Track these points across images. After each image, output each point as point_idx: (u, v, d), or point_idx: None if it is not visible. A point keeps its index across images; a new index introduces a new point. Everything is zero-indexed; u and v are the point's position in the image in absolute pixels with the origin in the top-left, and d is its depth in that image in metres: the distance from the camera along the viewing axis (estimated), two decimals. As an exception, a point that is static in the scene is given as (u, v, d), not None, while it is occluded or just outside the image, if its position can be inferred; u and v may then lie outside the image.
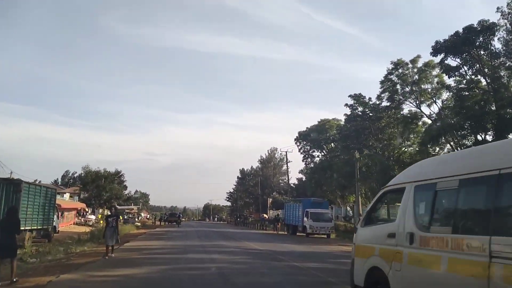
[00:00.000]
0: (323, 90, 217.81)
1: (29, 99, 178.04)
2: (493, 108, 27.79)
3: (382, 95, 37.42)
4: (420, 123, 39.29)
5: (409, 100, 36.02)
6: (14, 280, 8.93)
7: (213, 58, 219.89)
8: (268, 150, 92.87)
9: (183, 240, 23.78)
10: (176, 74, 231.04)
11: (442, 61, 30.61)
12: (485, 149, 5.90)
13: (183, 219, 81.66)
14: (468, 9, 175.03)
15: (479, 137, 29.94)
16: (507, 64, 28.25)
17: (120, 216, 49.84)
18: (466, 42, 28.56)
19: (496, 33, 27.78)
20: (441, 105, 34.57)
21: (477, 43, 28.20)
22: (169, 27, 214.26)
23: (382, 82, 36.93)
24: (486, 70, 28.88)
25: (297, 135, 59.32)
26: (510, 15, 27.09)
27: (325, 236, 31.94)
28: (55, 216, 25.21)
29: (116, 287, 9.38)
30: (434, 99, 34.80)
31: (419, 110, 35.79)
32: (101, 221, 47.71)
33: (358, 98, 46.05)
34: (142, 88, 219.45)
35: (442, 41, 29.76)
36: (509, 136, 26.92)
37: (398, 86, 35.93)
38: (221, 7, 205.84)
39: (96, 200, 43.23)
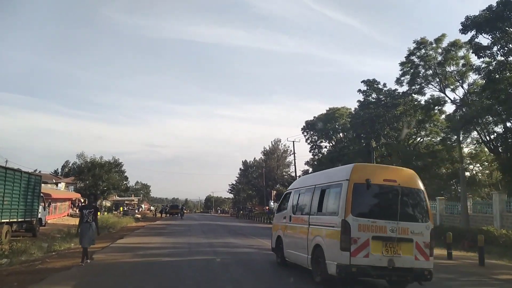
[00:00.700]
0: (324, 83, 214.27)
1: (29, 89, 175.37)
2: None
3: (402, 78, 33.87)
4: (436, 111, 35.96)
5: (432, 83, 32.57)
6: None
7: (214, 49, 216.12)
8: (271, 141, 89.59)
9: (186, 236, 20.44)
10: (177, 66, 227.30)
11: (472, 39, 27.07)
12: (314, 175, 11.97)
13: (185, 211, 78.58)
14: (471, 3, 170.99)
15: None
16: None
17: (114, 206, 46.29)
18: (501, 18, 25.11)
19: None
20: (467, 88, 31.16)
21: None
22: (170, 18, 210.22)
23: (402, 64, 33.38)
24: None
25: (304, 124, 55.86)
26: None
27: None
28: (40, 207, 21.91)
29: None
30: (460, 82, 31.34)
31: (443, 95, 32.30)
32: (98, 213, 44.51)
33: (371, 83, 42.62)
34: (143, 79, 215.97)
35: (472, 16, 26.29)
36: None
37: (421, 68, 32.42)
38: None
39: (92, 190, 39.85)
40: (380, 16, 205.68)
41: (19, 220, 18.23)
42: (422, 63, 32.36)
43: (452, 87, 32.07)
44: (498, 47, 26.13)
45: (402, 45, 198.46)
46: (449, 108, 33.18)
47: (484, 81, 27.79)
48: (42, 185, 38.15)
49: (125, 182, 43.37)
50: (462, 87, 31.28)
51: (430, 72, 32.40)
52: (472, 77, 30.69)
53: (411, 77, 32.86)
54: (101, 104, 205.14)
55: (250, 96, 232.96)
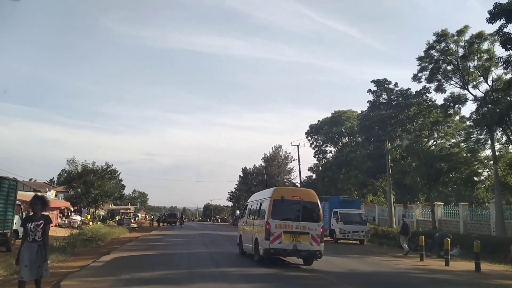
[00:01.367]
0: (323, 92, 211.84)
1: (30, 100, 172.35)
2: None
3: (420, 74, 30.71)
4: (456, 109, 32.70)
5: (453, 79, 29.45)
6: None
7: (213, 59, 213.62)
8: (272, 148, 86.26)
9: (184, 249, 17.05)
10: (176, 75, 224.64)
11: (500, 29, 23.97)
12: (259, 193, 15.95)
13: (184, 220, 74.84)
14: (468, 12, 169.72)
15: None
16: None
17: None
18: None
19: None
20: (491, 84, 28.03)
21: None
22: (169, 28, 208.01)
23: (420, 59, 30.19)
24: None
25: (308, 128, 52.69)
26: None
27: (358, 242, 25.41)
28: (16, 217, 18.52)
29: None
30: (484, 78, 28.22)
31: (464, 92, 29.09)
32: (90, 223, 41.00)
33: (382, 83, 39.59)
34: (142, 89, 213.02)
35: (501, 3, 23.23)
36: None
37: (441, 63, 29.25)
38: (222, 8, 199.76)
39: (83, 198, 36.43)
40: (379, 25, 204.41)
41: (-13, 232, 14.91)
42: (442, 57, 29.30)
43: (473, 83, 28.97)
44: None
45: (401, 54, 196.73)
46: (468, 107, 29.84)
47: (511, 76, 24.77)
48: (25, 192, 34.83)
49: (119, 190, 39.58)
50: (487, 83, 28.18)
51: (450, 67, 29.35)
52: (496, 72, 27.76)
53: (430, 73, 29.74)
54: (101, 114, 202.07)
55: (249, 105, 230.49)
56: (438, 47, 29.31)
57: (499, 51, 24.70)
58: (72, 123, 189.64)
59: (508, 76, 25.96)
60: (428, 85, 31.49)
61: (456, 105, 30.77)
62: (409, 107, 36.66)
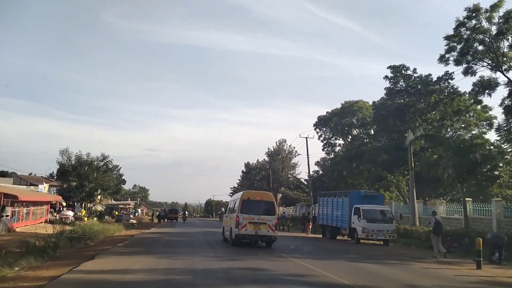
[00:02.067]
0: (324, 87, 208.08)
1: (30, 94, 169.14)
2: None
3: (447, 55, 27.36)
4: (486, 96, 29.28)
5: (485, 61, 26.17)
6: None
7: (214, 54, 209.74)
8: (276, 142, 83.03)
9: (187, 254, 13.75)
10: (176, 70, 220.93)
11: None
12: (236, 194, 22.88)
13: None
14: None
15: None
16: None
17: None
18: None
19: None
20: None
21: None
22: (170, 22, 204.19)
23: (448, 38, 26.81)
24: None
25: (316, 120, 49.23)
26: None
27: (381, 242, 22.18)
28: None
29: None
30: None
31: (498, 74, 25.77)
32: (85, 219, 37.76)
33: (399, 69, 36.24)
34: (144, 84, 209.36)
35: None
36: None
37: (471, 42, 25.92)
38: (222, 3, 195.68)
39: (77, 192, 33.19)
40: (381, 20, 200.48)
41: None
42: (473, 36, 25.97)
43: (507, 65, 25.67)
44: None
45: (403, 49, 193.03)
46: (499, 93, 26.38)
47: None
48: (13, 186, 31.70)
49: (115, 182, 36.28)
50: (524, 65, 24.87)
51: (482, 47, 26.05)
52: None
53: (459, 53, 26.41)
54: (101, 109, 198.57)
55: (251, 100, 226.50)
56: (468, 24, 26.02)
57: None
58: (73, 118, 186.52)
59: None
60: (451, 71, 28.33)
61: (486, 90, 27.52)
62: (430, 94, 33.35)
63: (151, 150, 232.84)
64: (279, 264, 11.81)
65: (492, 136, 42.19)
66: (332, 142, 48.94)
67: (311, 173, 68.87)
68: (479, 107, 34.68)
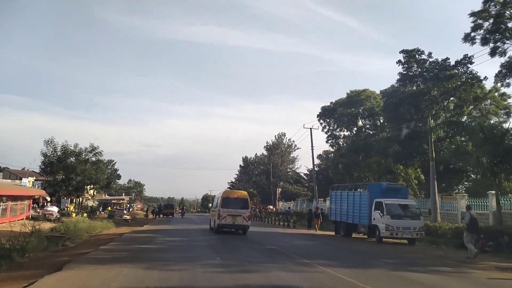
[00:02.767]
0: (321, 82, 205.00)
1: (26, 90, 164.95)
2: None
3: (473, 34, 24.30)
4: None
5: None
6: None
7: (210, 49, 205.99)
8: (275, 136, 79.80)
9: (185, 263, 10.51)
10: (173, 66, 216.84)
11: None
12: (218, 193, 26.43)
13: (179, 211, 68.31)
14: (467, 2, 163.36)
15: None
16: None
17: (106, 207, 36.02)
18: None
19: None
20: None
21: None
22: (166, 18, 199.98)
23: (474, 14, 23.75)
24: None
25: (320, 110, 46.10)
26: None
27: (406, 241, 19.16)
28: None
29: None
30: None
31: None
32: (73, 215, 34.43)
33: (413, 54, 33.12)
34: (140, 80, 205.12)
35: None
36: None
37: (501, 19, 22.87)
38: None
39: (63, 186, 29.85)
40: (378, 15, 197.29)
41: None
42: (502, 11, 22.92)
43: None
44: None
45: (400, 45, 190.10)
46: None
47: None
48: (5, 180, 28.44)
49: (105, 176, 32.91)
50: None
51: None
52: None
53: (488, 31, 23.34)
54: (98, 105, 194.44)
55: (247, 96, 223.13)
56: (497, -2, 22.96)
57: None
58: (68, 114, 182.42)
59: None
60: (476, 51, 25.01)
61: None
62: (448, 79, 30.30)
63: (147, 145, 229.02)
64: (309, 277, 8.66)
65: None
66: (337, 134, 45.82)
67: (311, 168, 66.08)
68: (496, 94, 31.89)
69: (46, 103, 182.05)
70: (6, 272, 9.52)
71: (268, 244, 15.62)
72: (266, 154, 79.74)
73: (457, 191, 34.09)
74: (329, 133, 45.80)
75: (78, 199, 36.04)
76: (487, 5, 23.31)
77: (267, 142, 78.84)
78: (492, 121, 32.27)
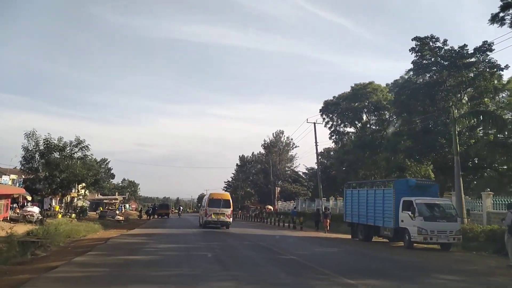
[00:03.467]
0: (316, 83, 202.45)
1: (21, 89, 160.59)
2: None
3: (502, 14, 21.40)
4: None
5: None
6: None
7: (205, 49, 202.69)
8: (273, 133, 76.62)
9: (185, 285, 7.39)
10: (168, 65, 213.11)
11: None
12: (206, 195, 32.17)
13: (173, 211, 65.06)
14: (460, 4, 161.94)
15: None
16: None
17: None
18: None
19: None
20: None
21: None
22: (161, 17, 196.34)
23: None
24: None
25: (323, 105, 43.08)
26: None
27: (438, 246, 16.20)
28: None
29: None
30: None
31: None
32: (59, 215, 31.08)
33: (426, 41, 30.18)
34: (134, 79, 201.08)
35: None
36: None
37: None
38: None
39: (46, 183, 26.52)
40: (372, 16, 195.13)
41: None
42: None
43: None
44: None
45: (395, 46, 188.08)
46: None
47: None
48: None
49: (92, 173, 29.50)
50: None
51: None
52: None
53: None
54: (93, 104, 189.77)
55: (242, 96, 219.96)
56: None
57: None
58: (63, 113, 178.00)
59: None
60: (505, 33, 22.17)
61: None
62: (466, 68, 27.47)
63: (142, 145, 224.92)
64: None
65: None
66: (341, 130, 42.77)
67: (313, 165, 62.96)
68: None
69: (40, 102, 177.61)
70: None
71: (285, 253, 12.51)
72: (263, 152, 76.65)
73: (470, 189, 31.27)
74: (332, 129, 42.79)
75: (65, 199, 32.72)
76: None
77: (264, 140, 75.71)
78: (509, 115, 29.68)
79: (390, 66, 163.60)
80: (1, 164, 39.64)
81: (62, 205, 36.33)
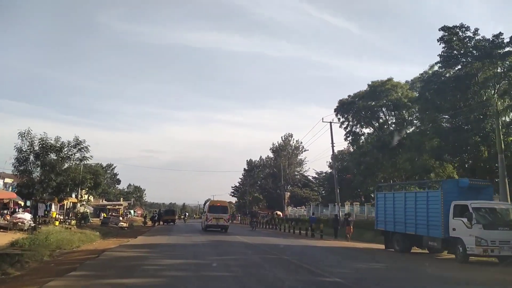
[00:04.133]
0: (322, 88, 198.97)
1: (28, 97, 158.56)
2: None
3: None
4: None
5: None
6: None
7: (211, 55, 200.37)
8: (281, 137, 73.74)
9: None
10: (174, 72, 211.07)
11: None
12: (206, 203, 42.18)
13: (179, 217, 62.17)
14: (466, 8, 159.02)
15: None
16: None
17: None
18: None
19: None
20: None
21: None
22: (167, 24, 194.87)
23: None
24: None
25: (338, 104, 40.17)
26: None
27: (496, 259, 13.24)
28: None
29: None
30: None
31: None
32: (56, 222, 28.39)
33: (455, 32, 27.30)
34: (140, 86, 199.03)
35: None
36: None
37: None
38: (219, 4, 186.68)
39: (40, 187, 23.84)
40: (378, 21, 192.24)
41: None
42: None
43: None
44: None
45: (400, 50, 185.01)
46: None
47: None
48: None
49: (91, 177, 26.77)
50: None
51: None
52: None
53: None
54: (99, 111, 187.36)
55: (248, 101, 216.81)
56: None
57: None
58: (69, 120, 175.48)
59: None
60: None
61: None
62: (503, 58, 24.56)
63: (149, 151, 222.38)
64: None
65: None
66: (357, 131, 39.76)
67: (323, 169, 59.91)
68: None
69: (47, 109, 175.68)
70: None
71: (324, 272, 9.58)
72: (272, 156, 73.79)
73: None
74: (348, 129, 39.80)
75: (65, 204, 30.09)
76: None
77: (273, 144, 72.83)
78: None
79: (397, 70, 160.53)
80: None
81: (62, 211, 33.69)
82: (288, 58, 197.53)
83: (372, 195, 42.23)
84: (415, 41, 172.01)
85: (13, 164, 23.84)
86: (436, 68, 29.09)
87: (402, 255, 15.59)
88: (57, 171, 23.73)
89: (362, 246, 19.27)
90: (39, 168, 23.98)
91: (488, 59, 24.81)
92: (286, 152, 71.48)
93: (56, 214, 29.03)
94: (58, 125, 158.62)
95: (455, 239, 13.45)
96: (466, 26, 26.88)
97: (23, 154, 23.70)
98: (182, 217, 59.63)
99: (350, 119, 39.79)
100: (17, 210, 24.14)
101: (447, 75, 27.48)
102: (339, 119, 39.68)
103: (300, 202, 61.10)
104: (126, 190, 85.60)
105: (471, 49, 26.17)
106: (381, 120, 39.14)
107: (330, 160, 57.15)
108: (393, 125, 37.46)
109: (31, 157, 23.89)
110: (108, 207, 51.84)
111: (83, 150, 24.41)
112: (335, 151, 48.52)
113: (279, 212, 54.85)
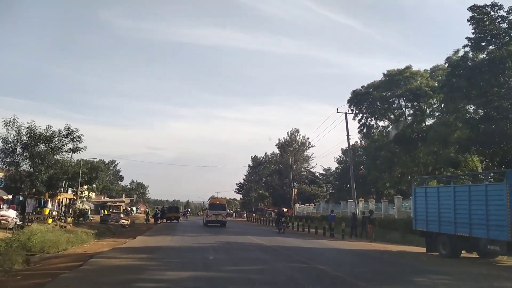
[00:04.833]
0: (325, 84, 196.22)
1: (30, 93, 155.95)
2: None
3: None
4: None
5: None
6: None
7: (214, 52, 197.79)
8: (287, 132, 70.87)
9: None
10: (177, 68, 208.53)
11: None
12: (208, 201, 37.84)
13: (181, 213, 59.50)
14: (471, 3, 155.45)
15: None
16: None
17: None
18: None
19: None
20: None
21: None
22: (170, 21, 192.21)
23: None
24: None
25: (351, 95, 37.26)
26: None
27: None
28: None
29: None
30: None
31: None
32: (49, 220, 25.62)
33: (486, 11, 24.40)
34: (144, 83, 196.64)
35: None
36: None
37: None
38: (223, 1, 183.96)
39: (28, 182, 21.08)
40: (381, 17, 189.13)
41: None
42: None
43: None
44: None
45: (403, 46, 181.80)
46: None
47: None
48: None
49: (84, 170, 23.96)
50: None
51: None
52: None
53: None
54: (102, 107, 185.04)
55: (251, 98, 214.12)
56: None
57: None
58: (71, 116, 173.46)
59: None
60: None
61: None
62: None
63: (152, 148, 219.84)
64: None
65: None
66: (372, 123, 36.84)
67: (334, 165, 56.91)
68: None
69: (50, 106, 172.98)
70: None
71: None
72: (277, 152, 70.95)
73: None
74: (362, 121, 36.91)
75: (61, 200, 27.37)
76: None
77: (279, 140, 69.96)
78: None
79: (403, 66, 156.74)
80: None
81: (59, 208, 30.95)
82: (291, 55, 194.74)
83: (388, 192, 39.55)
84: (418, 37, 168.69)
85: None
86: (461, 53, 26.30)
87: (452, 260, 12.76)
88: (47, 163, 20.92)
89: (395, 249, 16.43)
90: (27, 160, 21.16)
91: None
92: (293, 148, 68.58)
93: (50, 211, 26.30)
94: (61, 122, 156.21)
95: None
96: (499, 4, 23.96)
97: (9, 145, 20.91)
98: (184, 212, 57.45)
99: (364, 111, 36.91)
100: (1, 207, 21.45)
101: (477, 59, 24.60)
102: (352, 110, 36.76)
103: (307, 199, 58.25)
104: (129, 186, 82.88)
105: (506, 29, 23.27)
106: (397, 112, 36.23)
107: (340, 155, 54.65)
108: (410, 117, 34.52)
109: (18, 148, 21.10)
110: (109, 203, 49.13)
111: (75, 140, 21.53)
112: (345, 146, 45.70)
113: (285, 209, 52.11)
